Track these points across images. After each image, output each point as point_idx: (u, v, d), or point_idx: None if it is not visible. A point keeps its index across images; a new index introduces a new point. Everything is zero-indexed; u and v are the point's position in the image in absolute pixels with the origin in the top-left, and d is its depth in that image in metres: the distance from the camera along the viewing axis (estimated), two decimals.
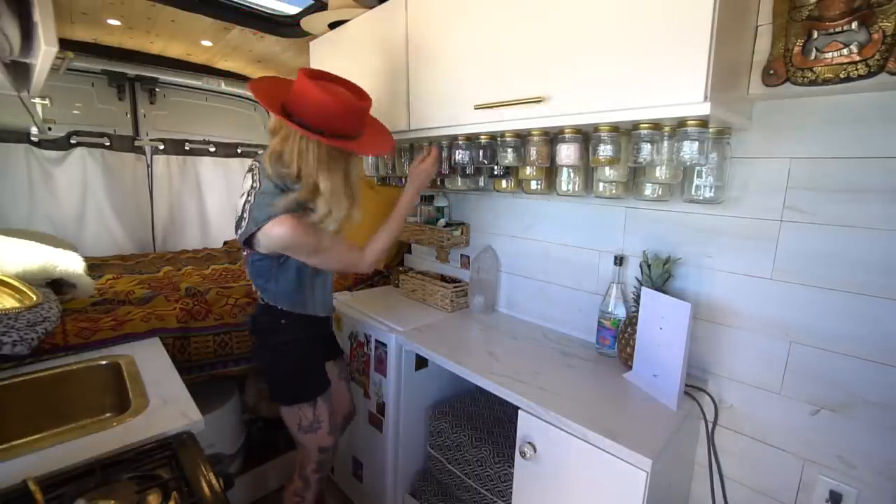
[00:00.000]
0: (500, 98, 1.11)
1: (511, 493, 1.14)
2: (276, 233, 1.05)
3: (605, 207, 1.36)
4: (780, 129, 1.01)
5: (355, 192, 1.17)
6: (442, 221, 1.83)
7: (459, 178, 1.55)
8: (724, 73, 0.83)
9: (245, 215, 1.10)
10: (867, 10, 0.81)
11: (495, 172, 1.39)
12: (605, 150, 1.05)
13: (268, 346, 1.27)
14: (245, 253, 1.21)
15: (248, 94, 2.99)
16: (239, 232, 1.12)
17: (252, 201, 1.09)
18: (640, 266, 1.18)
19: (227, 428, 1.73)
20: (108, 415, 1.18)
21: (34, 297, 1.27)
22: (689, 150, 0.93)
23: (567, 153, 1.12)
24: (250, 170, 1.17)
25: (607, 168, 1.13)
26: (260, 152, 1.22)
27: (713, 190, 1.06)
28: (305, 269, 1.20)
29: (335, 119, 1.05)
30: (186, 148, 2.81)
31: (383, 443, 1.57)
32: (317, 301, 1.27)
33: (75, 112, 2.52)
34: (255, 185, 1.12)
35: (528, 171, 1.26)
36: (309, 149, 1.07)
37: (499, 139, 1.25)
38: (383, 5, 1.46)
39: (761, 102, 1.02)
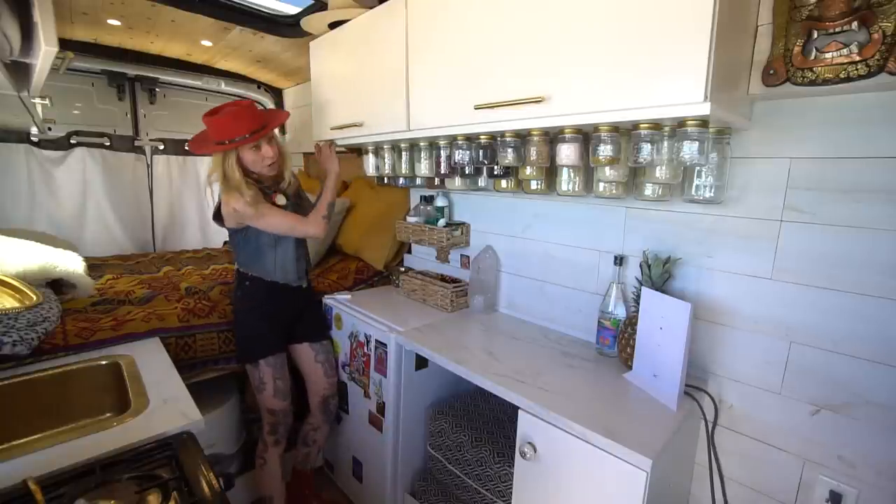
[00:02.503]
0: (500, 98, 1.11)
1: (511, 493, 1.14)
2: (225, 209, 1.41)
3: (605, 207, 1.36)
4: (780, 129, 1.01)
5: (230, 176, 1.41)
6: (442, 221, 1.82)
7: (459, 178, 1.55)
8: (724, 73, 0.83)
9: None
10: (867, 10, 0.81)
11: (495, 172, 1.39)
12: (605, 150, 1.05)
13: (233, 312, 1.59)
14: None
15: (249, 94, 2.99)
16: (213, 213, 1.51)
17: None
18: (640, 266, 1.18)
19: (227, 428, 1.73)
20: (108, 415, 1.18)
21: (34, 297, 1.27)
22: (689, 150, 0.93)
23: (567, 153, 1.12)
24: None
25: (607, 168, 1.13)
26: None
27: (713, 190, 1.06)
28: (262, 240, 1.48)
29: (225, 127, 1.36)
30: (186, 148, 2.81)
31: (383, 443, 1.57)
32: (276, 269, 1.52)
33: (75, 112, 2.52)
34: None
35: (528, 171, 1.26)
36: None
37: (499, 139, 1.25)
38: (383, 5, 1.46)
39: (761, 102, 1.02)
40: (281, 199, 1.51)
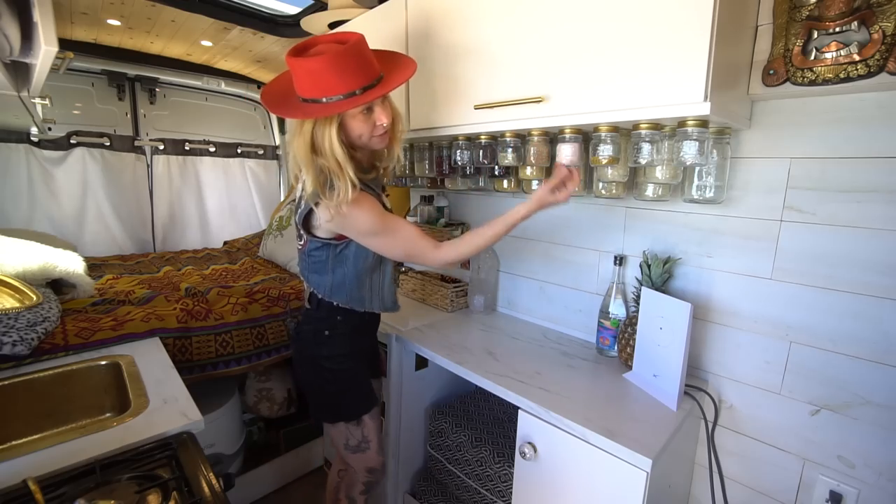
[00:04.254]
0: (500, 98, 1.11)
1: (511, 493, 1.14)
2: (333, 212, 0.97)
3: (605, 207, 1.36)
4: (780, 129, 1.01)
5: (328, 155, 0.95)
6: (442, 221, 1.83)
7: (459, 178, 1.55)
8: (724, 73, 0.83)
9: (303, 194, 1.04)
10: (867, 10, 0.81)
11: (495, 172, 1.39)
12: (605, 150, 1.05)
13: (307, 360, 1.18)
14: (301, 244, 1.13)
15: (249, 94, 2.99)
16: (298, 213, 1.06)
17: None
18: (640, 266, 1.18)
19: (227, 428, 1.73)
20: (108, 415, 1.17)
21: (34, 297, 1.27)
22: (690, 150, 0.93)
23: (567, 153, 1.12)
24: None
25: (607, 168, 1.13)
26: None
27: (713, 190, 1.06)
28: (362, 261, 1.10)
29: (322, 77, 0.91)
30: (186, 148, 2.81)
31: (383, 443, 1.57)
32: (374, 296, 1.17)
33: (75, 112, 2.52)
34: None
35: (529, 171, 1.26)
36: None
37: (499, 139, 1.25)
38: (383, 5, 1.46)
39: (761, 102, 1.02)
40: (387, 202, 1.14)
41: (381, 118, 1.00)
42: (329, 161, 0.95)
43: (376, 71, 0.97)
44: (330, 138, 0.94)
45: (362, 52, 0.95)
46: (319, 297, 1.13)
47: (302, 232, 1.09)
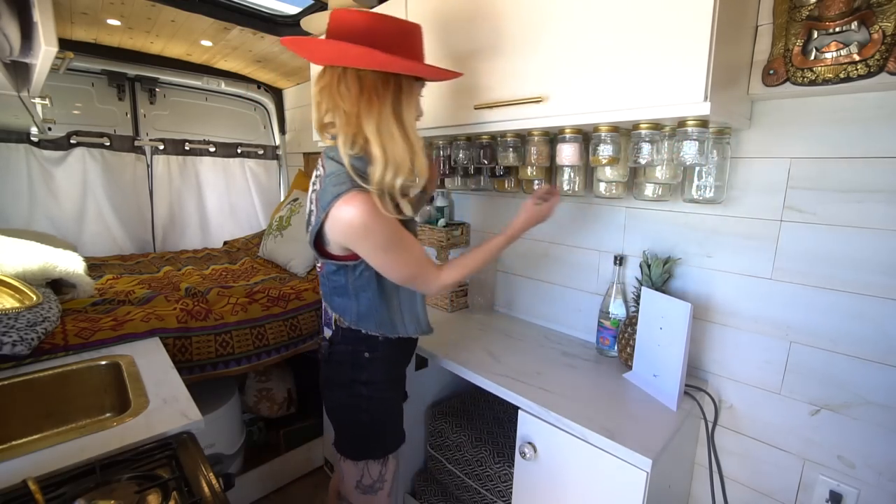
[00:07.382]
0: (501, 98, 1.11)
1: (511, 493, 1.14)
2: (343, 214, 0.83)
3: (605, 207, 1.36)
4: (780, 129, 1.01)
5: (411, 138, 0.89)
6: (442, 221, 1.82)
7: (459, 178, 1.55)
8: (724, 73, 0.83)
9: (312, 207, 0.93)
10: (867, 10, 0.81)
11: (496, 172, 1.39)
12: (605, 150, 1.05)
13: (341, 384, 1.04)
14: (319, 266, 1.01)
15: (249, 94, 2.99)
16: (308, 230, 0.92)
17: (318, 188, 0.90)
18: (640, 266, 1.18)
19: (227, 428, 1.73)
20: (108, 415, 1.18)
21: (34, 297, 1.27)
22: (690, 150, 0.93)
23: (567, 153, 1.12)
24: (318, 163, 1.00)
25: (607, 168, 1.13)
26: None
27: (713, 190, 1.06)
28: (386, 280, 0.96)
29: (415, 39, 0.91)
30: (186, 148, 2.81)
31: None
32: (405, 319, 1.03)
33: (75, 112, 2.52)
34: (318, 172, 0.95)
35: (529, 170, 1.26)
36: (345, 82, 0.85)
37: (499, 139, 1.25)
38: (383, 5, 1.46)
39: (761, 102, 1.02)
40: (407, 208, 0.92)
41: (421, 107, 0.94)
42: (410, 139, 0.89)
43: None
44: (410, 119, 0.89)
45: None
46: (352, 328, 1.00)
47: (315, 254, 0.95)
